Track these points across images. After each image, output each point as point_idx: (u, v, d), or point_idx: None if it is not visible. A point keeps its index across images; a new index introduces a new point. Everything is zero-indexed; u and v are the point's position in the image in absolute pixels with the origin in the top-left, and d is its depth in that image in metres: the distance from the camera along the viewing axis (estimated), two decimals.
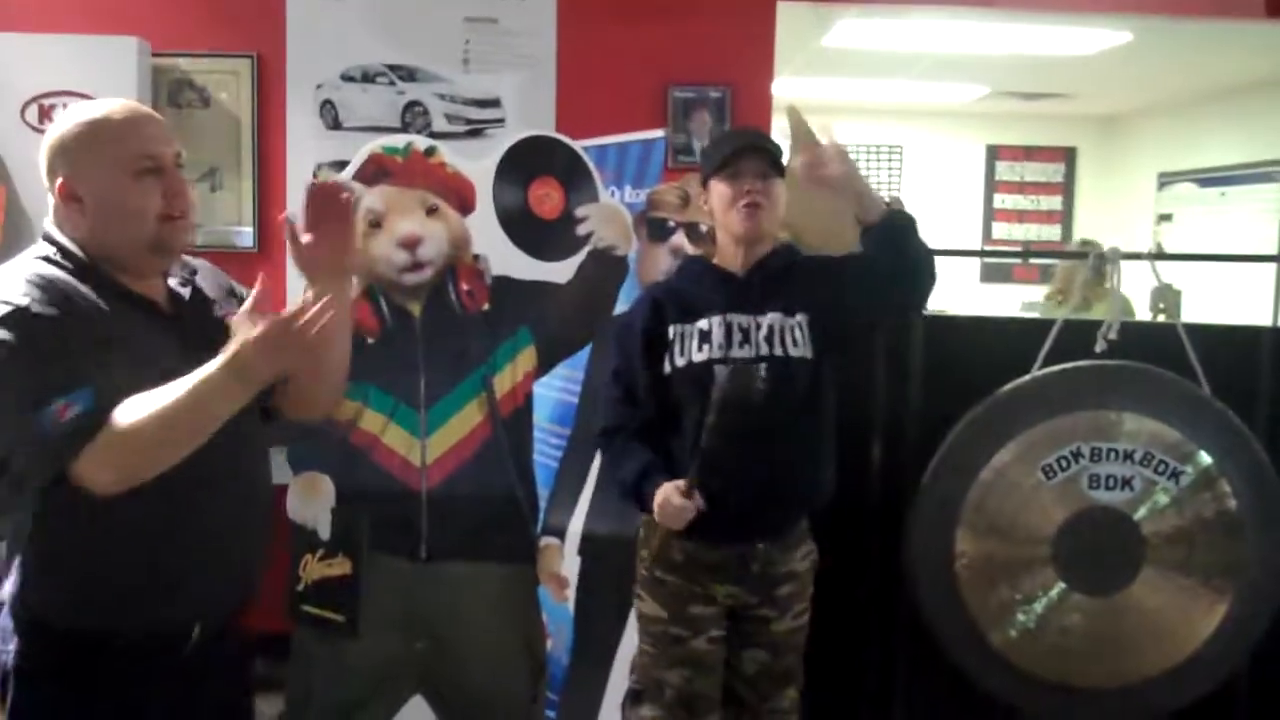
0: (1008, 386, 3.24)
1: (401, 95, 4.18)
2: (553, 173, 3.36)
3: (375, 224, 3.25)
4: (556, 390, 3.45)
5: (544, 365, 3.37)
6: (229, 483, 2.20)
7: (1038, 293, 9.02)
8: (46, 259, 2.08)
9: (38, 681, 2.11)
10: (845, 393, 3.02)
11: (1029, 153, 9.78)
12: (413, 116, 4.16)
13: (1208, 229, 8.05)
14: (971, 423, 3.24)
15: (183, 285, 2.23)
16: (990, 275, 9.51)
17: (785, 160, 2.88)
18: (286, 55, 4.17)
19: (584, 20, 4.17)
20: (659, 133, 3.69)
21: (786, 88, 6.76)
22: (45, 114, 3.80)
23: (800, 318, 2.82)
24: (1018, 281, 9.51)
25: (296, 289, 2.34)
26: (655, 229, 3.46)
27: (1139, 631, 3.22)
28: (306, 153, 4.18)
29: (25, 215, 3.73)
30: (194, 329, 2.19)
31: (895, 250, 2.69)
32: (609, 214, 3.37)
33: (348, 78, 4.18)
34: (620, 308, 3.30)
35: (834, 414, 2.92)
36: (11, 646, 2.12)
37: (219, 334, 2.13)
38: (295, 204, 4.13)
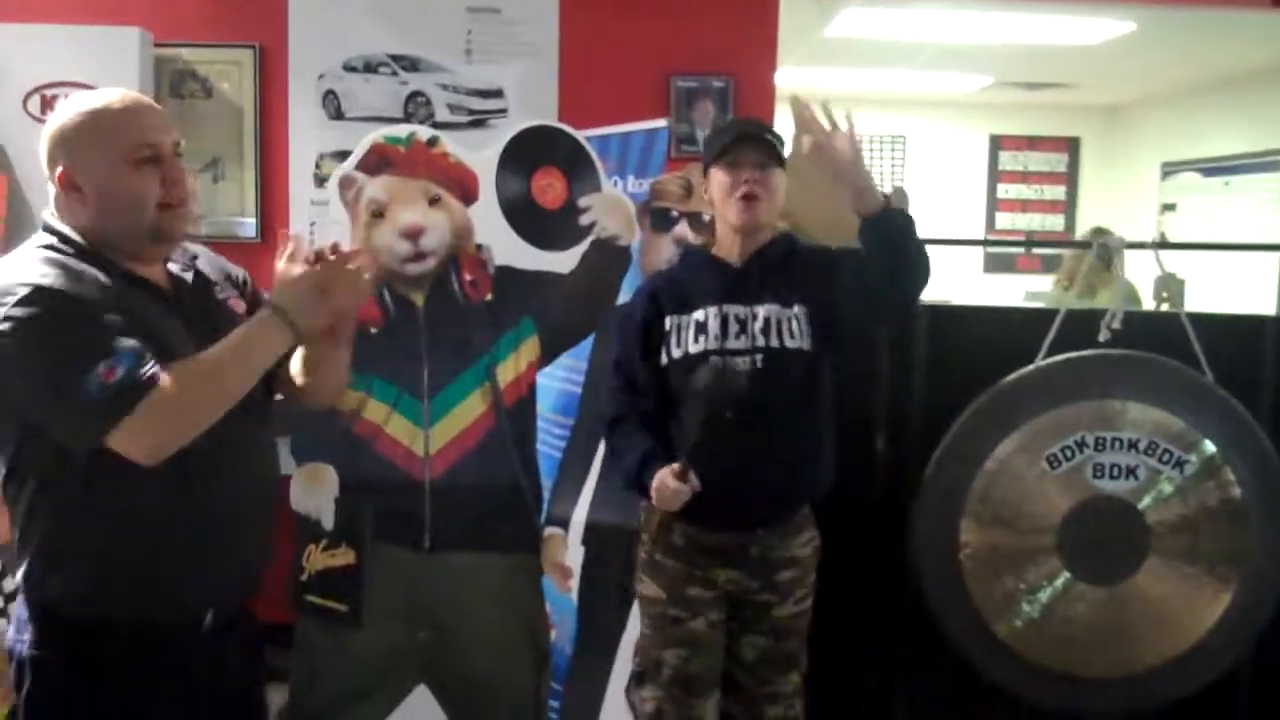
0: (1012, 376, 3.24)
1: (404, 85, 4.17)
2: (555, 163, 3.36)
3: (378, 214, 3.25)
4: (560, 380, 3.45)
5: (547, 355, 3.37)
6: (239, 470, 2.22)
7: (1041, 283, 9.01)
8: (49, 247, 2.10)
9: (53, 670, 2.13)
10: (849, 383, 3.02)
11: (1032, 142, 9.75)
12: (415, 107, 4.16)
13: (1211, 218, 8.04)
14: (975, 413, 3.24)
15: (184, 270, 2.25)
16: (993, 265, 9.48)
17: (788, 150, 2.88)
18: (289, 45, 4.16)
19: (586, 10, 4.16)
20: (662, 122, 3.68)
21: (789, 78, 6.74)
22: (47, 104, 3.79)
23: (798, 309, 2.82)
24: (1021, 272, 9.49)
25: None
26: (658, 219, 3.46)
27: (1143, 621, 3.22)
28: (309, 143, 4.17)
29: (27, 205, 3.73)
30: (197, 311, 2.21)
31: (892, 249, 2.68)
32: (612, 204, 3.36)
33: (350, 68, 4.17)
34: (623, 298, 3.30)
35: (832, 405, 2.92)
36: (26, 635, 2.14)
37: (221, 316, 2.18)
38: (295, 199, 4.16)
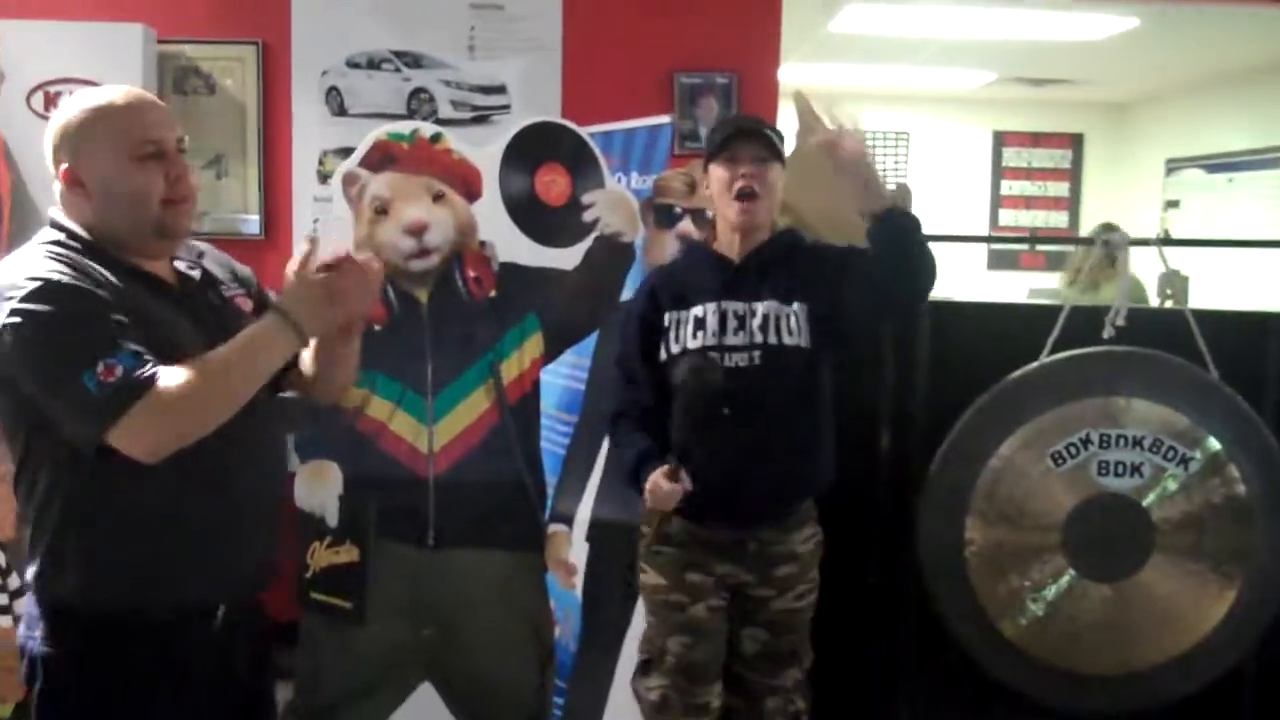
0: (1016, 373, 3.23)
1: (407, 82, 4.17)
2: (559, 159, 3.35)
3: (381, 211, 3.24)
4: (564, 377, 3.45)
5: (551, 352, 3.37)
6: (249, 467, 2.22)
7: (1044, 279, 9.01)
8: (56, 243, 2.11)
9: (64, 667, 2.13)
10: (853, 380, 3.02)
11: (1036, 139, 9.74)
12: (419, 103, 4.15)
13: (1215, 215, 8.03)
14: (980, 410, 3.24)
15: (191, 268, 2.26)
16: (997, 262, 9.48)
17: (792, 145, 2.87)
18: (292, 42, 4.16)
19: (590, 6, 4.16)
20: (665, 119, 3.68)
21: (793, 74, 6.73)
22: (51, 101, 3.79)
23: (797, 306, 2.81)
24: (1025, 268, 9.49)
25: None
26: (662, 215, 3.46)
27: (1148, 618, 3.22)
28: (312, 140, 4.17)
29: (31, 202, 3.72)
30: (204, 308, 2.22)
31: (899, 250, 2.66)
32: (615, 200, 3.36)
33: (353, 64, 4.17)
34: (627, 294, 3.30)
35: (831, 403, 2.92)
36: (38, 632, 2.14)
37: (227, 313, 2.20)
38: (298, 195, 4.16)
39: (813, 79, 7.67)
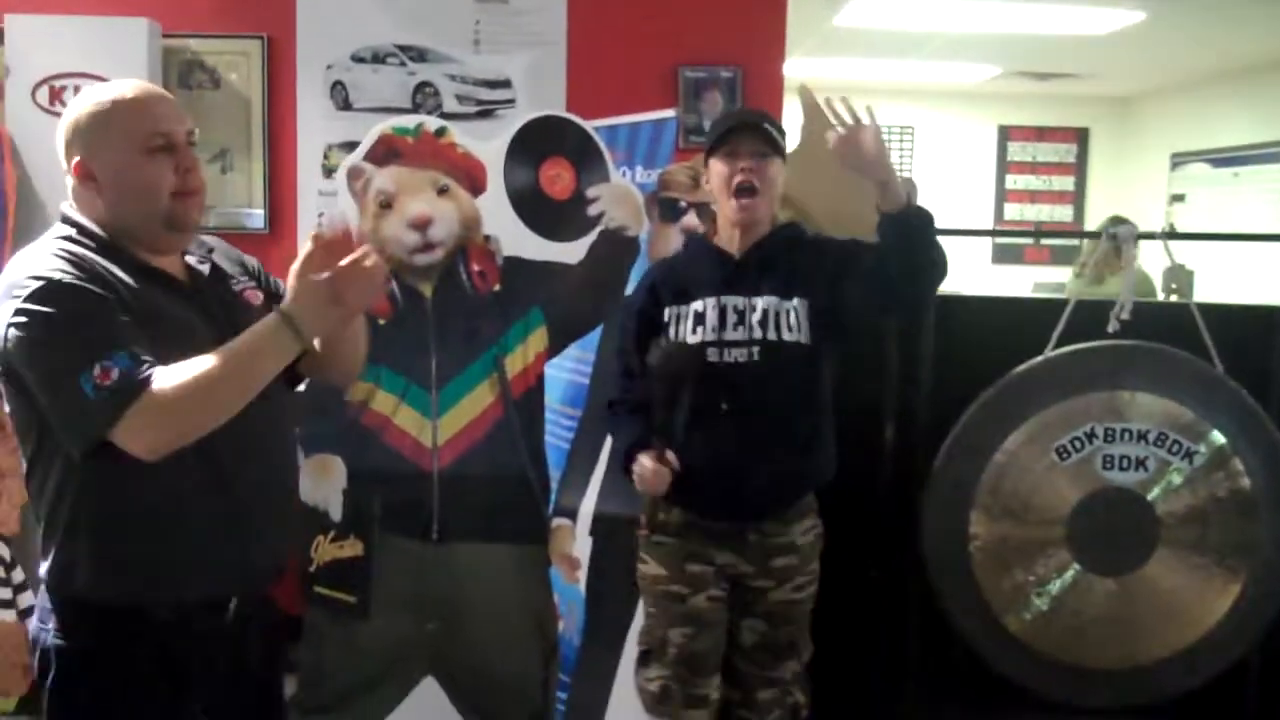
0: (1020, 367, 3.23)
1: (412, 76, 4.16)
2: (564, 153, 3.35)
3: (386, 205, 3.24)
4: (568, 371, 3.45)
5: (555, 346, 3.37)
6: (259, 459, 2.23)
7: (1049, 274, 9.01)
8: (68, 238, 2.12)
9: (76, 659, 2.14)
10: (856, 375, 3.02)
11: (1041, 133, 9.74)
12: (423, 97, 4.15)
13: (1221, 209, 8.02)
14: (984, 404, 3.24)
15: (200, 262, 2.27)
16: (1002, 256, 9.48)
17: (796, 141, 2.87)
18: (297, 36, 4.15)
19: (595, 0, 4.16)
20: (670, 113, 3.68)
21: (798, 68, 6.74)
22: (56, 96, 3.79)
23: (797, 302, 2.81)
24: (1029, 263, 9.49)
25: None
26: (667, 209, 3.45)
27: (1153, 612, 3.22)
28: (317, 134, 4.16)
29: (37, 197, 3.72)
30: (214, 302, 2.23)
31: (911, 246, 2.65)
32: (620, 194, 3.36)
33: (358, 58, 4.16)
34: (631, 288, 3.30)
35: (831, 398, 2.91)
36: (51, 625, 2.15)
37: (238, 307, 2.21)
38: (303, 190, 4.15)
39: (818, 73, 7.67)
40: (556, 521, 3.41)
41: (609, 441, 3.30)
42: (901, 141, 9.55)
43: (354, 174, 3.28)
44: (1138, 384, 3.20)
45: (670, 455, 2.75)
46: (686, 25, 4.14)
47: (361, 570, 3.30)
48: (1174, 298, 4.00)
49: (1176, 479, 3.20)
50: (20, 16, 3.86)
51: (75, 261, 2.06)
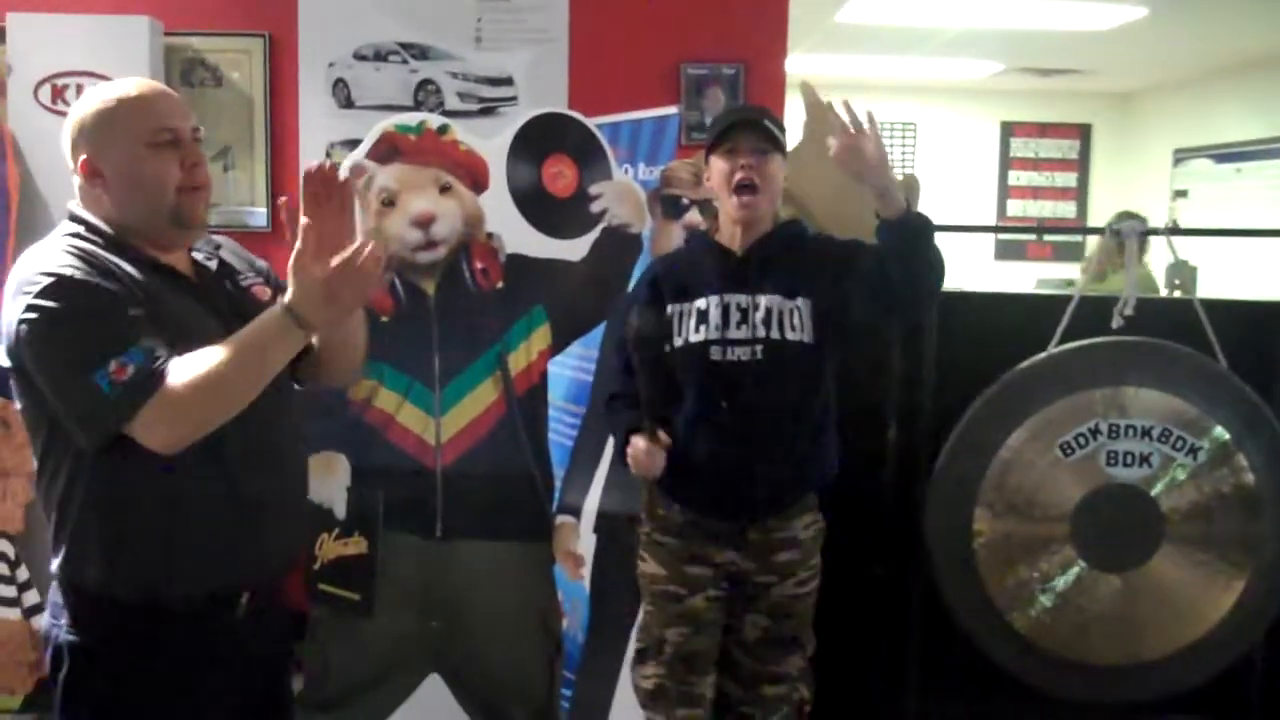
0: (1024, 364, 3.23)
1: (414, 74, 4.16)
2: (566, 150, 3.35)
3: (389, 203, 3.25)
4: (571, 369, 3.45)
5: (559, 343, 3.37)
6: (270, 453, 2.24)
7: (1052, 270, 9.01)
8: (76, 235, 2.13)
9: (88, 654, 2.14)
10: (859, 371, 3.01)
11: (1044, 129, 9.73)
12: (425, 95, 4.15)
13: (1224, 205, 8.02)
14: (988, 401, 3.23)
15: (208, 259, 2.28)
16: (1005, 253, 9.48)
17: (799, 137, 2.87)
18: (299, 34, 4.15)
19: None
20: (672, 110, 3.67)
21: (800, 64, 6.73)
22: (58, 94, 3.79)
23: (801, 301, 2.81)
24: (1032, 259, 9.49)
25: None
26: (669, 206, 3.45)
27: (1157, 608, 3.22)
28: (319, 131, 4.17)
29: (40, 196, 3.73)
30: (221, 297, 2.24)
31: (910, 251, 2.65)
32: (623, 191, 3.36)
33: (360, 56, 4.16)
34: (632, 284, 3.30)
35: (833, 397, 2.91)
36: (63, 620, 2.16)
37: (245, 302, 2.23)
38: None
39: (820, 70, 7.67)
40: (560, 519, 3.41)
41: (612, 438, 3.30)
42: (904, 138, 9.55)
43: (356, 172, 3.28)
44: (1141, 380, 3.20)
45: (662, 434, 2.75)
46: (688, 22, 4.14)
47: (366, 568, 3.30)
48: (1178, 293, 4.00)
49: (1180, 475, 3.19)
50: (22, 15, 3.87)
51: (85, 257, 2.07)
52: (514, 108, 4.12)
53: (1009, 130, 9.74)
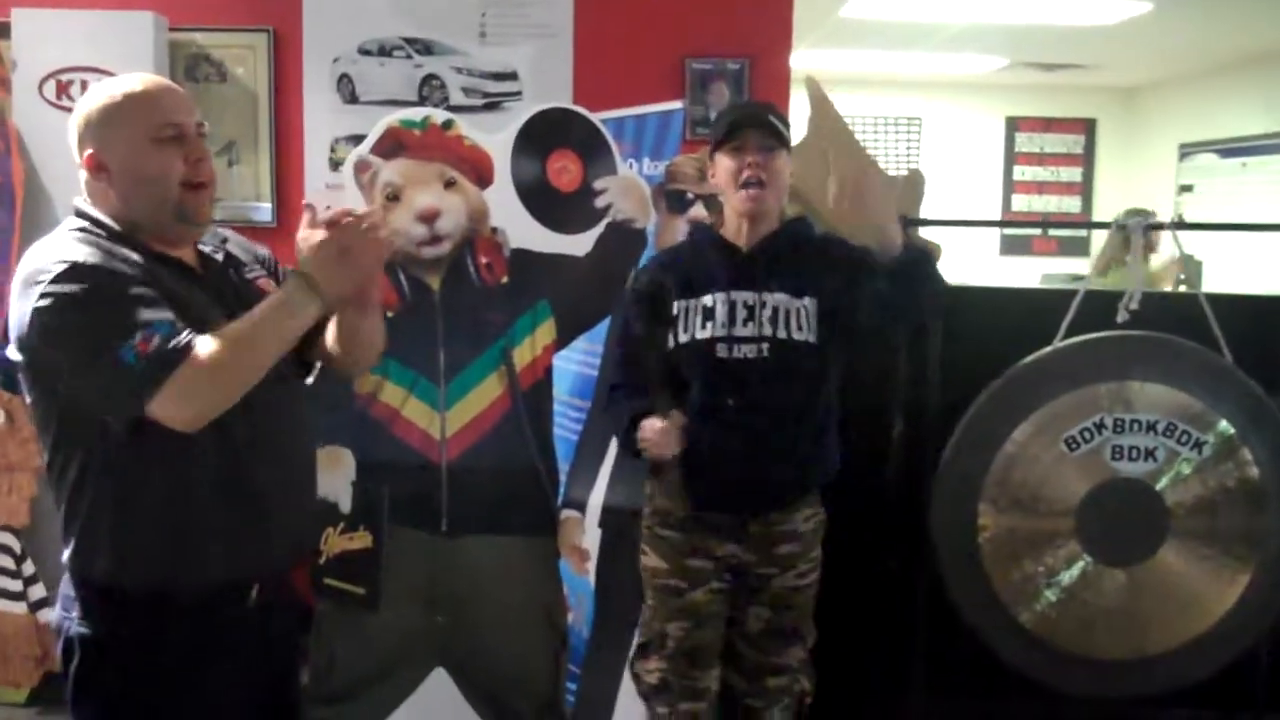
0: (1029, 358, 3.23)
1: (418, 69, 4.17)
2: (570, 145, 3.35)
3: (393, 198, 3.24)
4: (576, 363, 3.45)
5: (563, 338, 3.36)
6: (280, 444, 2.25)
7: (1057, 264, 9.00)
8: (82, 229, 2.13)
9: (100, 645, 2.15)
10: (864, 366, 3.01)
11: (1049, 124, 9.73)
12: (430, 90, 4.15)
13: (1229, 200, 8.01)
14: (993, 395, 3.23)
15: (214, 251, 2.29)
16: (1010, 248, 9.48)
17: (802, 134, 2.87)
18: (303, 29, 4.16)
19: None
20: (677, 104, 3.67)
21: (805, 59, 6.73)
22: (63, 89, 3.80)
23: (808, 301, 2.81)
24: (1037, 254, 9.49)
25: None
26: (674, 201, 3.45)
27: (1162, 602, 3.21)
28: (323, 127, 4.18)
29: (44, 191, 3.73)
30: (227, 288, 2.25)
31: (909, 283, 2.71)
32: (627, 186, 3.36)
33: (364, 51, 4.17)
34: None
35: (836, 395, 2.92)
36: (74, 612, 2.17)
37: (249, 292, 2.24)
38: (310, 183, 4.16)
39: (825, 65, 7.67)
40: (565, 513, 3.41)
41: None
42: (909, 133, 9.55)
43: (361, 167, 3.28)
44: (1147, 374, 3.19)
45: (676, 413, 2.75)
46: (693, 17, 4.15)
47: (371, 562, 3.30)
48: (1183, 288, 4.00)
49: (1185, 469, 3.19)
50: (27, 10, 3.87)
51: (93, 245, 2.08)
52: (519, 103, 4.12)
53: (1014, 125, 9.73)
